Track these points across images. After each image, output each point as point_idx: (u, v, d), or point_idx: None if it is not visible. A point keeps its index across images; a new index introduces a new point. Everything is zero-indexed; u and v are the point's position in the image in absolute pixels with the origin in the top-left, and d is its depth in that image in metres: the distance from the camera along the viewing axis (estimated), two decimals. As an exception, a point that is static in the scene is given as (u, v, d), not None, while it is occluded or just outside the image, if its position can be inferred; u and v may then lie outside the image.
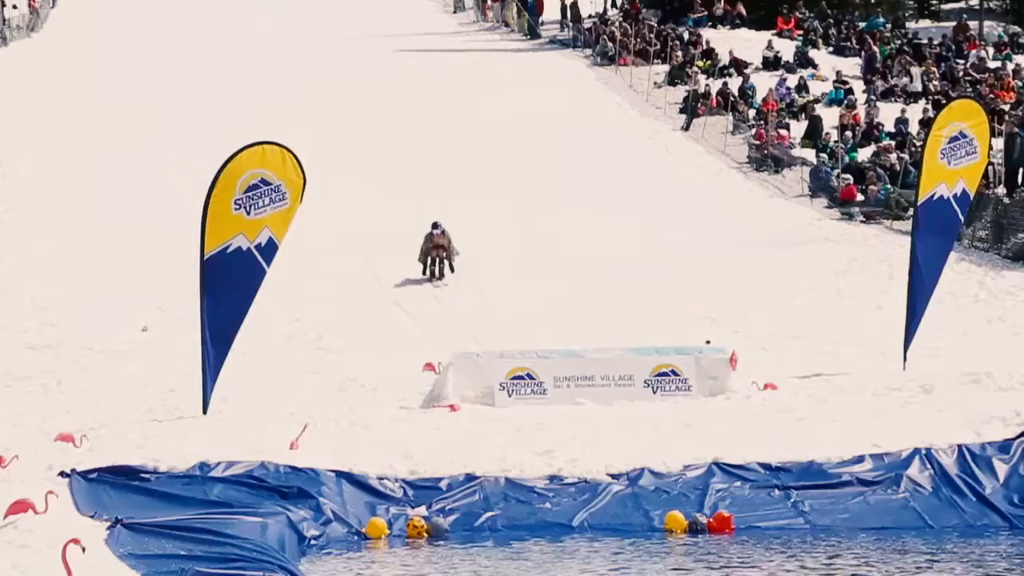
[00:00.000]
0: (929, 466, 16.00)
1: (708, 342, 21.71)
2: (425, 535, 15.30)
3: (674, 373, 20.47)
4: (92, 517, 14.14)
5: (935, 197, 21.00)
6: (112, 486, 15.51)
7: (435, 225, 29.03)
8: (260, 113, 37.45)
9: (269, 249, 19.06)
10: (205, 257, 19.01)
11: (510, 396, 20.12)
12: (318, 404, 19.57)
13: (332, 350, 24.52)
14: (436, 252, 28.94)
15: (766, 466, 16.07)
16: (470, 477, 15.93)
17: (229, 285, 18.94)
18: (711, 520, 15.41)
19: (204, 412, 18.97)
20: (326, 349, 24.69)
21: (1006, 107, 37.35)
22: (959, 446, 16.19)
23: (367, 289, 28.11)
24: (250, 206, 18.93)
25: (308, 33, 49.72)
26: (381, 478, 15.88)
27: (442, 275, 29.02)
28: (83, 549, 12.21)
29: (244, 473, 15.75)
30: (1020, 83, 41.70)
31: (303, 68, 44.60)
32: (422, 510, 15.54)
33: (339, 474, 15.83)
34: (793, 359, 22.60)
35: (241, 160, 18.99)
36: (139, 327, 25.73)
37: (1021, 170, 32.55)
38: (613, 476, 15.99)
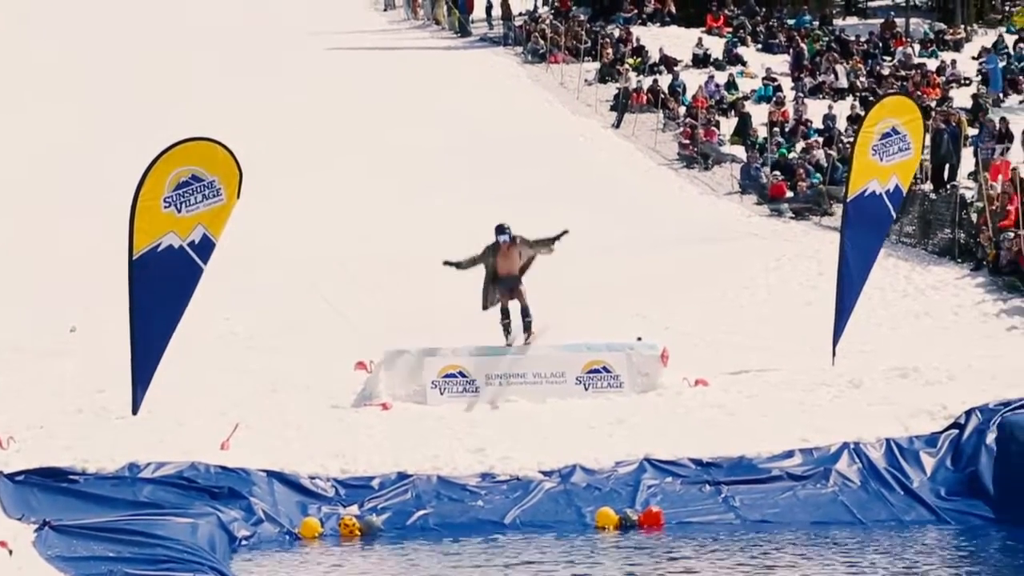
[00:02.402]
0: (857, 460, 16.14)
1: (639, 339, 21.76)
2: (358, 534, 15.28)
3: (606, 370, 20.52)
4: (19, 519, 14.01)
5: (866, 193, 21.12)
6: (40, 488, 15.38)
7: (501, 230, 20.23)
8: (189, 110, 37.22)
9: (204, 247, 18.89)
10: (134, 256, 18.83)
11: (442, 394, 20.09)
12: (249, 404, 19.45)
13: (263, 350, 24.38)
14: (504, 295, 20.25)
15: (697, 462, 16.17)
16: (402, 475, 15.93)
17: (162, 284, 18.76)
18: (642, 516, 15.48)
19: (134, 413, 18.81)
20: (258, 349, 24.55)
21: (932, 104, 37.71)
22: (887, 440, 16.35)
23: (299, 288, 28.00)
24: (181, 203, 18.76)
25: (238, 31, 49.45)
26: (313, 477, 15.85)
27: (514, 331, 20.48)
28: (10, 552, 12.10)
29: (174, 474, 15.67)
30: (945, 80, 42.13)
31: (233, 66, 44.36)
32: (354, 509, 15.52)
33: (270, 474, 15.78)
34: (723, 355, 22.70)
35: (171, 157, 18.81)
36: (68, 327, 25.50)
37: (947, 166, 32.87)
38: (545, 473, 16.03)
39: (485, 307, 20.56)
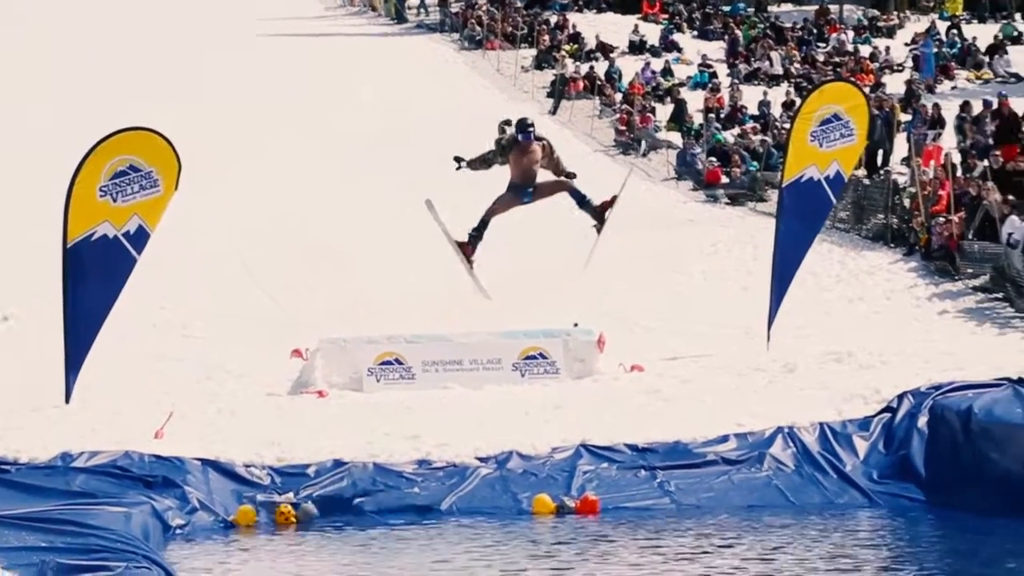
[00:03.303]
0: (792, 444, 16.24)
1: (575, 325, 21.83)
2: (293, 521, 15.25)
3: (542, 356, 20.57)
4: (-49, 511, 13.86)
5: (803, 179, 21.19)
6: (-29, 478, 15.23)
7: (523, 126, 18.03)
8: (123, 99, 36.93)
9: (139, 237, 18.78)
10: (68, 245, 18.71)
11: (378, 381, 20.09)
12: (183, 392, 19.37)
13: (198, 337, 24.25)
14: (503, 205, 18.03)
15: (633, 447, 16.21)
16: (338, 463, 15.89)
17: (95, 273, 18.65)
18: (578, 502, 15.53)
19: (67, 402, 18.69)
20: (192, 337, 24.42)
21: (866, 90, 37.96)
22: (821, 424, 16.45)
23: (233, 276, 27.84)
24: (117, 193, 18.64)
25: (171, 17, 49.11)
26: (248, 465, 15.79)
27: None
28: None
29: (108, 463, 15.56)
30: (879, 66, 42.44)
31: (167, 53, 44.04)
32: (290, 496, 15.48)
33: (205, 462, 15.70)
34: (659, 340, 22.80)
35: (108, 146, 18.70)
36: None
37: (880, 152, 33.12)
38: (481, 460, 16.04)
39: (467, 163, 18.49)
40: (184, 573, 12.45)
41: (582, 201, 18.25)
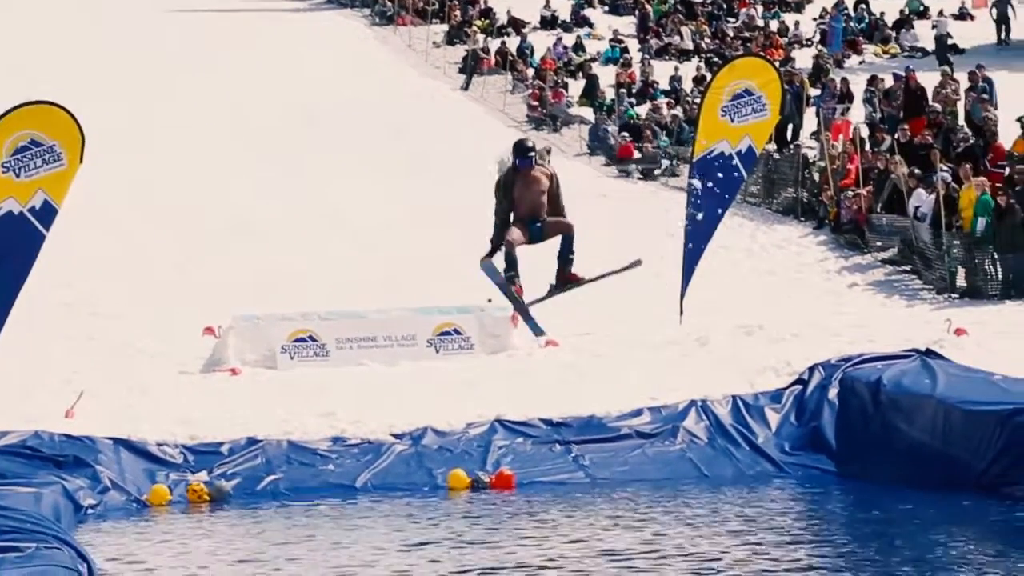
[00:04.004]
0: (705, 417, 16.34)
1: (490, 300, 21.83)
2: (207, 500, 15.17)
3: (456, 332, 20.57)
4: None
5: (713, 154, 21.27)
6: None
7: (522, 150, 16.06)
8: (24, 75, 36.39)
9: (46, 212, 18.54)
10: (-27, 223, 18.44)
11: (292, 359, 20.00)
12: (94, 371, 19.18)
13: (108, 316, 24.04)
14: (517, 236, 16.42)
15: (547, 422, 16.25)
16: (252, 441, 15.80)
17: (2, 250, 18.40)
18: (493, 477, 15.56)
19: (-25, 382, 18.45)
20: (101, 315, 24.20)
21: (777, 64, 38.20)
22: (733, 397, 16.56)
23: (144, 253, 27.60)
24: (20, 168, 18.39)
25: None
26: (160, 444, 15.66)
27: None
28: None
29: (17, 443, 15.36)
30: (788, 41, 42.75)
31: (69, 29, 43.45)
32: (203, 475, 15.39)
33: (116, 441, 15.56)
34: (573, 315, 22.84)
35: (9, 121, 18.43)
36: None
37: (790, 126, 33.39)
38: (396, 436, 16.01)
39: (493, 252, 16.32)
40: (96, 553, 12.32)
41: (565, 256, 17.00)
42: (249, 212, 28.79)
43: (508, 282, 16.51)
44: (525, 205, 15.82)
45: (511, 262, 16.28)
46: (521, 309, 16.73)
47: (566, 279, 17.09)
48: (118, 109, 35.64)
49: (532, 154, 15.59)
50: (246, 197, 29.49)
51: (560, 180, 16.94)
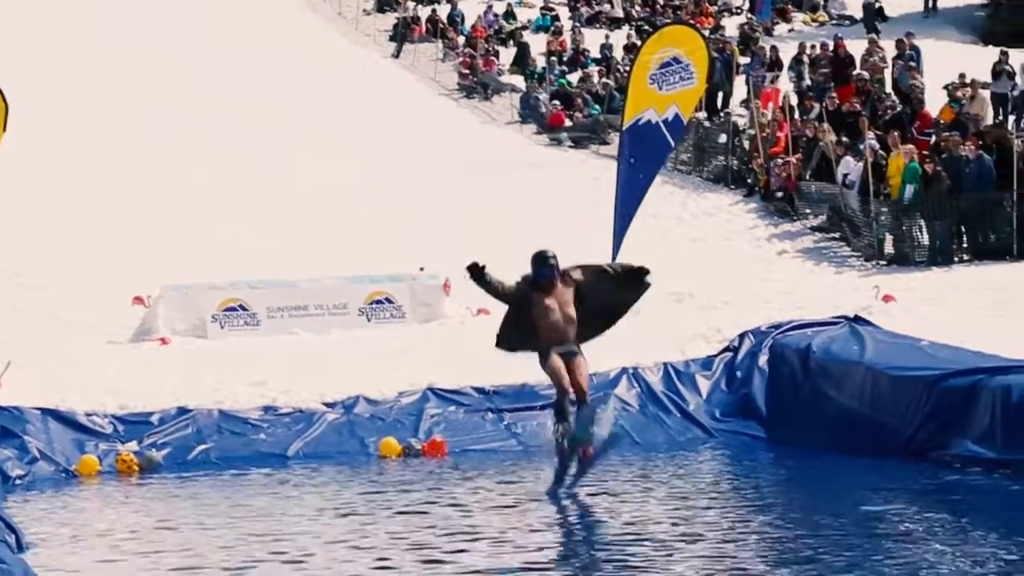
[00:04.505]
0: (636, 385, 16.43)
1: (421, 269, 21.82)
2: (136, 470, 15.09)
3: (388, 300, 20.56)
4: None
5: (641, 121, 21.27)
6: None
7: (542, 261, 13.08)
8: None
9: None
10: None
11: (222, 328, 19.93)
12: (22, 341, 18.99)
13: (34, 287, 23.78)
14: (558, 368, 12.95)
15: (480, 390, 16.30)
16: (182, 410, 15.74)
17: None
18: (425, 445, 15.58)
19: (-100, 353, 18.22)
20: (27, 286, 23.92)
21: (705, 32, 38.30)
22: (664, 364, 16.66)
23: (69, 221, 27.32)
24: (-57, 134, 18.17)
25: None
26: (89, 414, 15.57)
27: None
28: None
29: (-57, 414, 15.23)
30: (718, 9, 42.83)
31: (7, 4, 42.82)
32: (133, 445, 15.31)
33: (45, 411, 15.45)
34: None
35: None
36: None
37: (720, 94, 33.48)
38: (328, 405, 16.01)
39: (500, 346, 13.33)
40: (25, 523, 12.23)
41: (581, 400, 12.88)
42: (178, 183, 28.57)
43: (574, 445, 12.86)
44: (547, 326, 12.69)
45: (561, 413, 12.90)
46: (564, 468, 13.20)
47: (580, 461, 13.25)
48: (46, 80, 35.22)
49: (553, 262, 12.74)
50: (175, 168, 29.26)
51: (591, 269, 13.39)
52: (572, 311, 12.93)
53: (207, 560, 11.35)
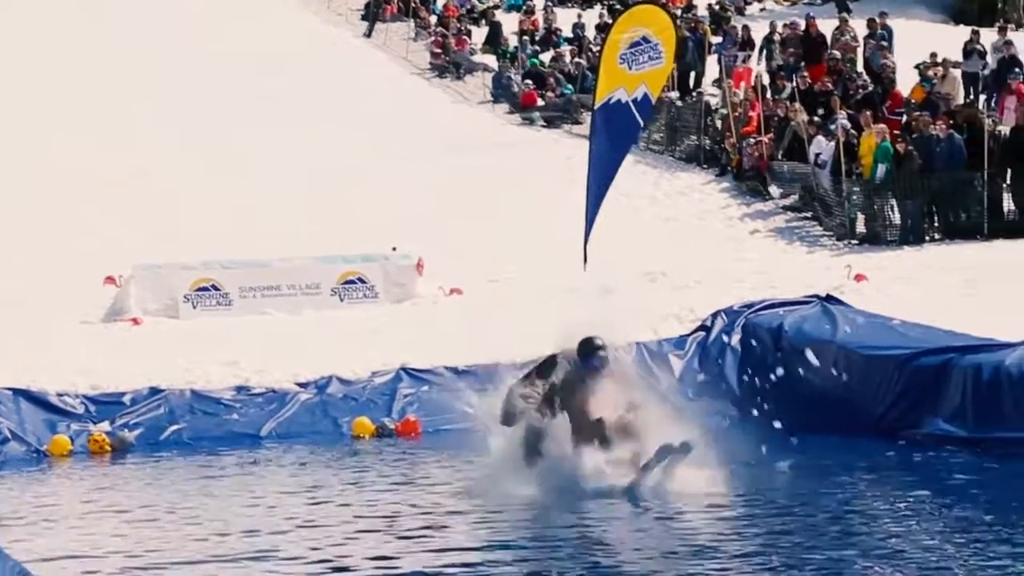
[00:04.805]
0: (608, 364, 16.39)
1: (394, 249, 21.80)
2: (108, 450, 15.06)
3: (361, 280, 20.54)
4: None
5: (611, 101, 21.28)
6: None
7: (590, 349, 12.20)
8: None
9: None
10: None
11: (195, 308, 19.89)
12: (-8, 322, 18.93)
13: (6, 266, 23.67)
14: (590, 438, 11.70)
15: (453, 370, 16.28)
16: (154, 391, 15.71)
17: None
18: (398, 425, 15.58)
19: None
20: (-1, 265, 23.85)
21: (677, 12, 38.30)
22: (637, 343, 16.66)
23: (40, 201, 27.20)
24: None
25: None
26: (61, 395, 15.52)
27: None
28: None
29: (-86, 395, 15.17)
30: (691, -11, 42.77)
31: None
32: (105, 425, 15.27)
33: (16, 392, 15.40)
34: (478, 264, 22.87)
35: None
36: None
37: (692, 74, 33.49)
38: (301, 385, 15.99)
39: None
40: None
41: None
42: (150, 162, 28.45)
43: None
44: (586, 417, 11.43)
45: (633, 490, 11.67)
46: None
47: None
48: (20, 65, 35.04)
49: (603, 353, 11.69)
50: (147, 147, 29.13)
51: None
52: (617, 399, 11.56)
53: (178, 538, 11.34)
